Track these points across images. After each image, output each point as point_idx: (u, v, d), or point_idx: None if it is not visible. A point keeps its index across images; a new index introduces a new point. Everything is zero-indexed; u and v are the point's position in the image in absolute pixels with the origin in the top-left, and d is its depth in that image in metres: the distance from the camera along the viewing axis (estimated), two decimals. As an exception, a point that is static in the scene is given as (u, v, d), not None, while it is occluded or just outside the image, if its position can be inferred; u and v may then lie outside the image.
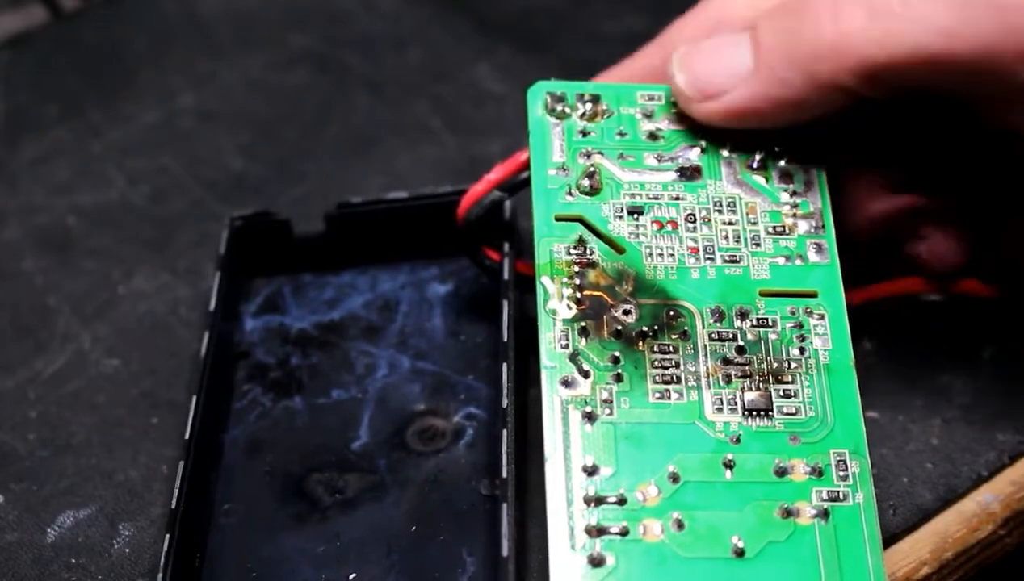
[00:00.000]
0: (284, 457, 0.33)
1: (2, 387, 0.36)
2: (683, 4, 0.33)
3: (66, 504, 0.33)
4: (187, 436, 0.31)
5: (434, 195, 0.36)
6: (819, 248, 0.30)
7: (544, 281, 0.29)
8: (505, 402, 0.30)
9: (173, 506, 0.30)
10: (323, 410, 0.34)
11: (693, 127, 0.31)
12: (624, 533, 0.27)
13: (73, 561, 0.31)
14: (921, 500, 0.32)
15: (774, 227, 0.30)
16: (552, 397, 0.28)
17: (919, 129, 0.32)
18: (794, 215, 0.31)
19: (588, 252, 0.30)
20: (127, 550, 0.32)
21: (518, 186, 0.32)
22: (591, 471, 0.27)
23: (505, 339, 0.31)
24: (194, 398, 0.32)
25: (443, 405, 0.34)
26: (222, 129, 0.43)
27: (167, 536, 0.29)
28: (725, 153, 0.31)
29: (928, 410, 0.33)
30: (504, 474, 0.29)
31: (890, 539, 0.31)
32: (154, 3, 0.49)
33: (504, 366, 0.31)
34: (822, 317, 0.29)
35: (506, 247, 0.34)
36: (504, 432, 0.30)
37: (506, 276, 0.33)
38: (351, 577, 0.30)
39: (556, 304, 0.29)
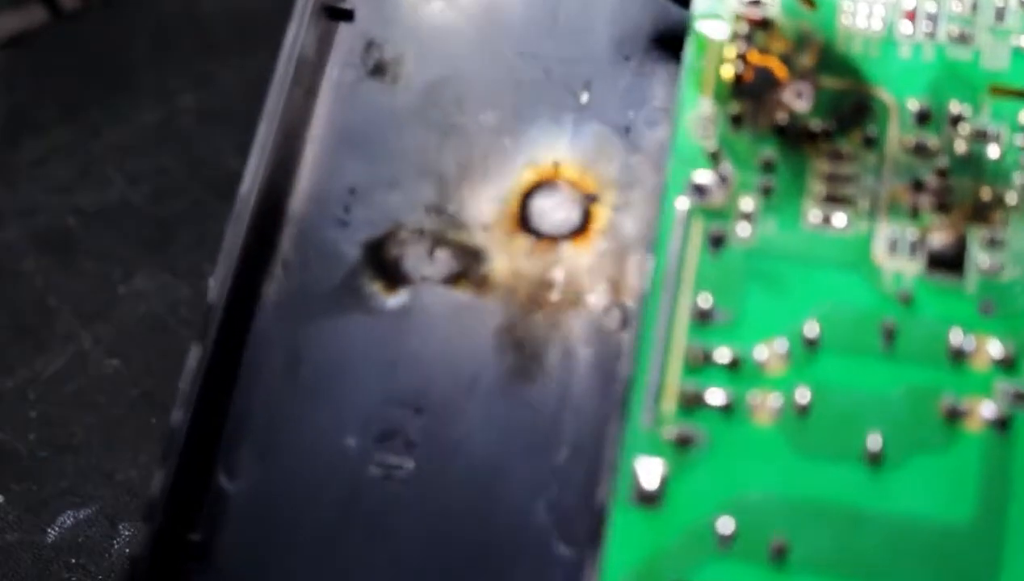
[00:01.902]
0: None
1: (2, 387, 0.35)
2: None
3: (66, 504, 0.33)
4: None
5: None
6: None
7: (699, 33, 0.22)
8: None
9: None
10: None
11: None
12: (727, 408, 0.20)
13: (73, 561, 0.31)
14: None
15: None
16: (674, 199, 0.21)
17: None
18: None
19: (765, 4, 0.22)
20: (127, 550, 0.32)
21: None
22: (704, 315, 0.20)
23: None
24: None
25: None
26: (222, 129, 0.43)
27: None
28: None
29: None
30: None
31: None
32: (154, 3, 0.49)
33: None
34: None
35: None
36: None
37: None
38: None
39: (707, 72, 0.21)
